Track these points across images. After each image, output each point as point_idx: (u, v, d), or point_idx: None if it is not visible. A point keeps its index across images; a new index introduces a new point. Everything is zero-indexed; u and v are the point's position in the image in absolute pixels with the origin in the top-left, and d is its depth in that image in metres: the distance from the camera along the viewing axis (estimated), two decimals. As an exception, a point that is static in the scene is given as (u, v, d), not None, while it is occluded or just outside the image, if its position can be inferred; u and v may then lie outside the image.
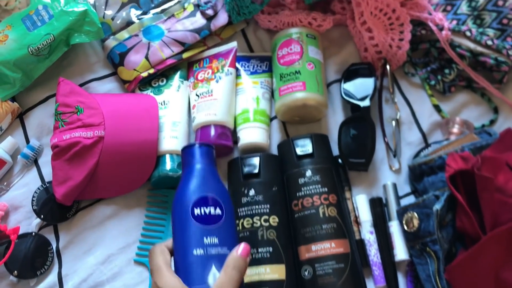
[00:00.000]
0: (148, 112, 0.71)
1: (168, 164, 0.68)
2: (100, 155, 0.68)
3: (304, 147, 0.69)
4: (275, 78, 0.74)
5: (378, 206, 0.69)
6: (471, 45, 0.71)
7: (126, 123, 0.69)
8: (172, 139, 0.70)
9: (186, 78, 0.77)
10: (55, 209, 0.70)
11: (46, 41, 0.72)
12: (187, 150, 0.58)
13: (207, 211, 0.53)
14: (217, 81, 0.73)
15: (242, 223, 0.66)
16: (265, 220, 0.65)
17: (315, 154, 0.68)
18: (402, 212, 0.66)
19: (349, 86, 0.73)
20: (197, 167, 0.56)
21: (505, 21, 0.69)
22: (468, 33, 0.71)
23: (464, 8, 0.71)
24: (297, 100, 0.70)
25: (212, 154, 0.58)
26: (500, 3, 0.69)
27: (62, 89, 0.72)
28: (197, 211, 0.52)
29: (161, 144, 0.69)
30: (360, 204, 0.69)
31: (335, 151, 0.72)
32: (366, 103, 0.71)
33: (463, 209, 0.59)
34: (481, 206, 0.59)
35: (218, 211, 0.53)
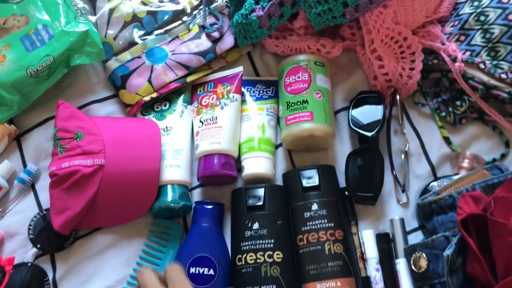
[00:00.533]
0: (150, 139, 0.69)
1: (170, 195, 0.66)
2: (99, 184, 0.65)
3: (310, 178, 0.67)
4: (281, 105, 0.72)
5: (385, 242, 0.67)
6: (485, 78, 0.69)
7: (127, 151, 0.67)
8: (174, 168, 0.68)
9: (190, 102, 0.75)
10: (52, 238, 0.67)
11: (46, 63, 0.70)
12: (197, 207, 0.67)
13: (201, 271, 0.61)
14: (222, 108, 0.71)
15: (245, 258, 0.64)
16: (269, 256, 0.63)
17: (322, 187, 0.67)
18: (410, 251, 0.64)
19: (357, 115, 0.71)
20: (202, 225, 0.65)
21: (520, 54, 0.67)
22: (481, 66, 0.69)
23: (478, 39, 0.69)
24: (304, 131, 0.68)
25: (220, 212, 0.67)
26: (516, 36, 0.67)
27: (62, 113, 0.69)
28: (192, 269, 0.61)
29: (162, 174, 0.67)
30: (367, 239, 0.67)
31: (342, 182, 0.70)
32: (374, 133, 0.69)
33: (474, 255, 0.57)
34: (493, 252, 0.57)
35: (212, 272, 0.61)
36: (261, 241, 0.64)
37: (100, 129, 0.68)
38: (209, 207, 0.67)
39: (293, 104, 0.70)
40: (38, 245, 0.67)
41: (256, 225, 0.65)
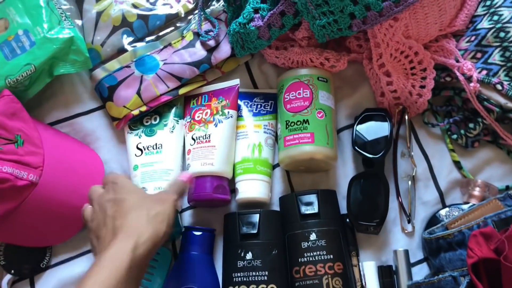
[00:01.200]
0: (92, 176, 0.65)
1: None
2: (24, 201, 0.59)
3: (309, 205, 0.63)
4: (280, 124, 0.67)
5: (387, 276, 0.63)
6: (502, 101, 0.63)
7: (65, 179, 0.62)
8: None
9: (182, 116, 0.69)
10: (25, 260, 0.64)
11: (26, 72, 0.64)
12: (186, 233, 0.63)
13: None
14: (215, 125, 0.66)
15: (237, 291, 0.59)
16: (262, 289, 0.59)
17: (321, 214, 0.62)
18: (414, 289, 0.59)
19: (362, 134, 0.66)
20: (191, 254, 0.61)
21: (542, 77, 0.61)
22: (499, 87, 0.63)
23: (496, 57, 0.63)
24: (303, 154, 0.63)
25: (210, 239, 0.63)
26: (539, 56, 0.61)
27: (5, 107, 0.61)
28: None
29: (148, 191, 0.63)
30: (368, 272, 0.63)
31: (343, 207, 0.65)
32: (380, 157, 0.64)
33: (485, 303, 0.53)
34: (505, 299, 0.53)
35: None
36: (254, 273, 0.60)
37: (43, 142, 0.62)
38: (199, 233, 0.62)
39: (292, 124, 0.64)
40: (12, 271, 0.63)
41: (249, 255, 0.61)
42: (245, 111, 0.69)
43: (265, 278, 0.60)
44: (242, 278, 0.60)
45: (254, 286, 0.59)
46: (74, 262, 0.66)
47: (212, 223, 0.66)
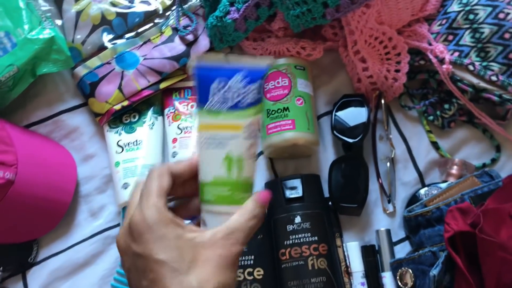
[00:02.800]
0: (66, 169, 0.67)
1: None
2: (2, 200, 0.60)
3: (293, 189, 0.64)
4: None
5: (370, 255, 0.64)
6: (474, 80, 0.65)
7: (41, 174, 0.64)
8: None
9: (161, 113, 0.71)
10: (11, 255, 0.65)
11: (9, 73, 0.65)
12: None
13: None
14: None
15: (224, 277, 0.61)
16: (249, 273, 0.61)
17: (305, 198, 0.63)
18: (396, 266, 0.61)
19: (341, 120, 0.68)
20: None
21: (511, 55, 0.63)
22: (471, 67, 0.65)
23: (467, 39, 0.65)
24: (286, 141, 0.64)
25: None
26: (507, 36, 0.63)
27: None
28: None
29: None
30: (352, 252, 0.64)
31: (327, 191, 0.66)
32: (357, 140, 0.65)
33: (462, 274, 0.54)
34: (482, 270, 0.55)
35: None
36: (240, 258, 0.61)
37: (14, 140, 0.63)
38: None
39: (273, 112, 0.66)
40: (1, 267, 0.64)
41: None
42: (217, 100, 0.45)
43: (252, 262, 0.61)
44: (228, 264, 0.61)
45: (241, 270, 0.61)
46: (63, 255, 0.67)
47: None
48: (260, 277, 0.61)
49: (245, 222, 0.42)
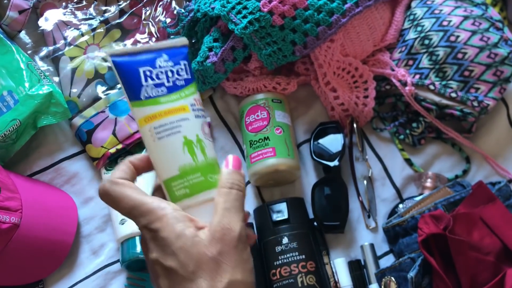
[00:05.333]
0: (67, 212, 0.71)
1: (139, 247, 0.67)
2: (8, 243, 0.65)
3: (279, 212, 0.68)
4: (245, 145, 0.73)
5: (357, 269, 0.68)
6: (436, 98, 0.71)
7: (44, 218, 0.68)
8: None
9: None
10: None
11: (13, 127, 0.72)
12: None
13: None
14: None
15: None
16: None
17: (291, 219, 0.68)
18: (380, 276, 0.64)
19: (319, 145, 0.73)
20: None
21: (466, 73, 0.69)
22: (431, 87, 0.71)
23: (425, 62, 0.72)
24: (268, 167, 0.70)
25: None
26: (460, 55, 0.69)
27: None
28: None
29: (130, 226, 0.68)
30: (339, 268, 0.68)
31: (311, 212, 0.71)
32: (335, 163, 0.70)
33: (438, 275, 0.58)
34: (456, 269, 0.58)
35: None
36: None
37: (18, 187, 0.69)
38: None
39: (255, 142, 0.71)
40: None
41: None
42: (148, 84, 0.43)
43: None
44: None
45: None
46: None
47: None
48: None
49: (228, 198, 0.41)
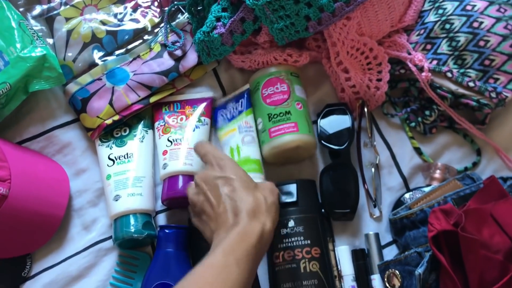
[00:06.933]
0: (60, 184, 0.68)
1: (132, 226, 0.64)
2: None
3: (288, 194, 0.66)
4: (261, 118, 0.70)
5: (360, 259, 0.66)
6: (453, 87, 0.68)
7: (34, 189, 0.65)
8: (136, 197, 0.66)
9: (151, 127, 0.73)
10: (4, 269, 0.65)
11: (2, 90, 0.67)
12: (159, 232, 0.65)
13: None
14: (193, 130, 0.70)
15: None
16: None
17: (300, 202, 0.65)
18: (383, 268, 0.63)
19: (326, 128, 0.70)
20: (166, 251, 0.63)
21: (487, 62, 0.66)
22: (449, 74, 0.67)
23: (444, 47, 0.68)
24: (290, 142, 0.67)
25: (184, 236, 0.64)
26: (482, 43, 0.66)
27: None
28: None
29: (124, 203, 0.65)
30: (342, 256, 0.66)
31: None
32: (344, 148, 0.67)
33: (446, 272, 0.56)
34: (466, 267, 0.56)
35: None
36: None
37: (7, 156, 0.64)
38: (172, 231, 0.64)
39: (275, 116, 0.68)
40: (-5, 283, 0.65)
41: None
42: (222, 120, 0.72)
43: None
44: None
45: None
46: (57, 268, 0.67)
47: (186, 222, 0.69)
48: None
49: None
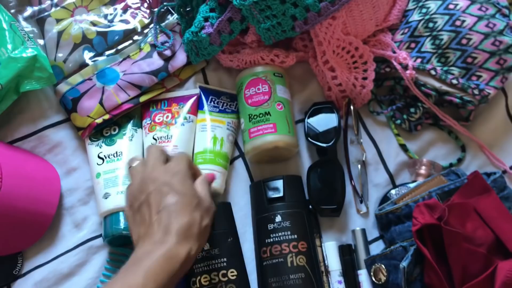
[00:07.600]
0: (50, 183, 0.69)
1: (122, 223, 0.65)
2: None
3: (275, 190, 0.67)
4: (243, 118, 0.71)
5: (347, 254, 0.67)
6: (436, 84, 0.69)
7: (26, 188, 0.66)
8: (125, 195, 0.67)
9: (140, 126, 0.74)
10: None
11: (-7, 91, 0.68)
12: None
13: None
14: (179, 127, 0.70)
15: (200, 281, 0.63)
16: (224, 275, 0.63)
17: (286, 198, 0.66)
18: (370, 263, 0.64)
19: (313, 126, 0.71)
20: None
21: (469, 60, 0.67)
22: (433, 72, 0.69)
23: (428, 45, 0.69)
24: (268, 143, 0.68)
25: None
26: (464, 41, 0.67)
27: None
28: None
29: (114, 200, 0.66)
30: (329, 251, 0.67)
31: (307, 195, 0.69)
32: (331, 145, 0.69)
33: (430, 265, 0.57)
34: (449, 260, 0.57)
35: None
36: (213, 261, 0.64)
37: None
38: None
39: (255, 116, 0.69)
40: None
41: (207, 246, 0.64)
42: (208, 106, 0.74)
43: (225, 264, 0.64)
44: (202, 268, 0.64)
45: (215, 273, 0.63)
46: (48, 266, 0.68)
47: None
48: (234, 277, 0.64)
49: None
